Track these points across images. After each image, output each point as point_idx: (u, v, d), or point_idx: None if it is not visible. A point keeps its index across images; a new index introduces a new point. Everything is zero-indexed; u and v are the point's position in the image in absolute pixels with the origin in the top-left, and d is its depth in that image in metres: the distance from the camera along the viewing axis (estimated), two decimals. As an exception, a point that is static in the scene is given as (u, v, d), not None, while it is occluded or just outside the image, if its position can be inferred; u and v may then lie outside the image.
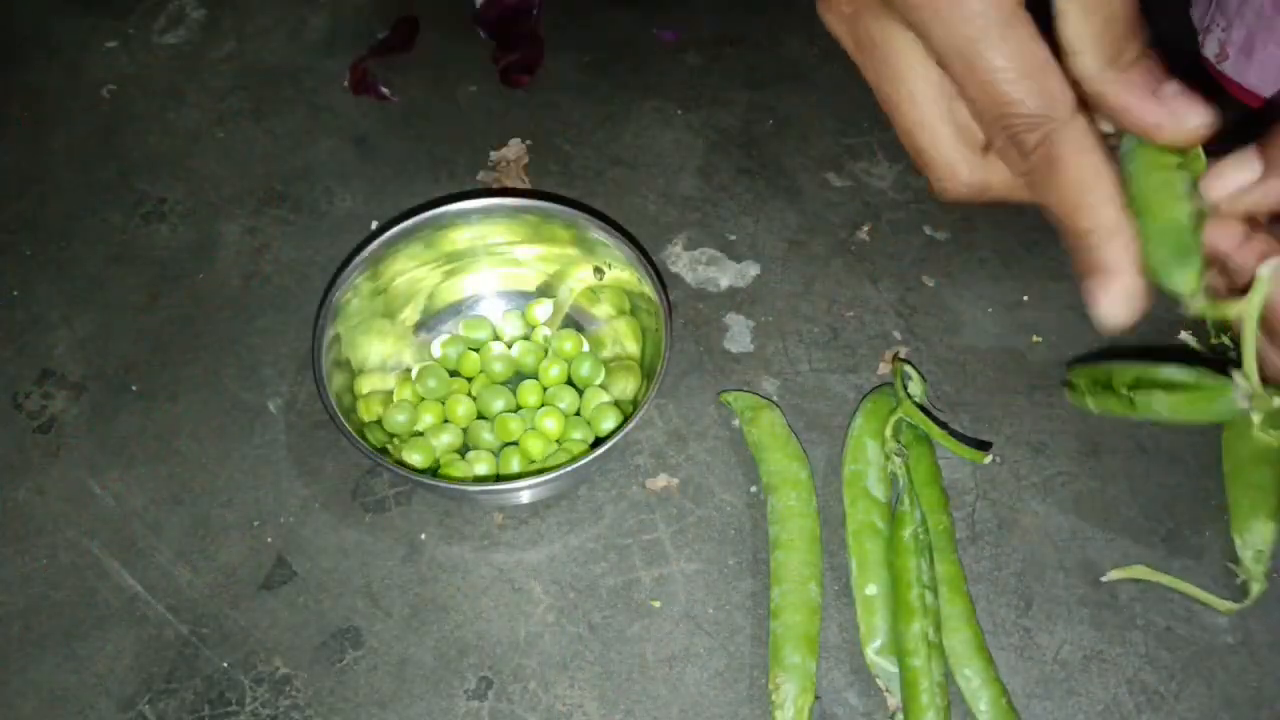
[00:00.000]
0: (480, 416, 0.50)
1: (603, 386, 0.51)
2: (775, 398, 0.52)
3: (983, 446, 0.49)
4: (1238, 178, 0.35)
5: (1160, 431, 0.51)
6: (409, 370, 0.51)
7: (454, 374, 0.51)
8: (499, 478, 0.49)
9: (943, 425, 0.49)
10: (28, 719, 0.44)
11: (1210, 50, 0.61)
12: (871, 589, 0.45)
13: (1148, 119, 0.34)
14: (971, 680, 0.44)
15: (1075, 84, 0.33)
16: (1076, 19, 0.33)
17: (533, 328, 0.53)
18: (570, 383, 0.51)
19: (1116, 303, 0.33)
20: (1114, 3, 0.33)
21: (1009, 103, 0.33)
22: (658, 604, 0.47)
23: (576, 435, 0.49)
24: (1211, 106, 0.34)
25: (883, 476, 0.48)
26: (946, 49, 0.34)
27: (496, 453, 0.49)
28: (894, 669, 0.44)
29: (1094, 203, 0.33)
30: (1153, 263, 0.33)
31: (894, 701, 0.44)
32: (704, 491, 0.49)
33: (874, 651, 0.45)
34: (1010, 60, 0.33)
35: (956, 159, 0.36)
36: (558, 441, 0.50)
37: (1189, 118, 0.34)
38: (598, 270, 0.52)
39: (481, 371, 0.51)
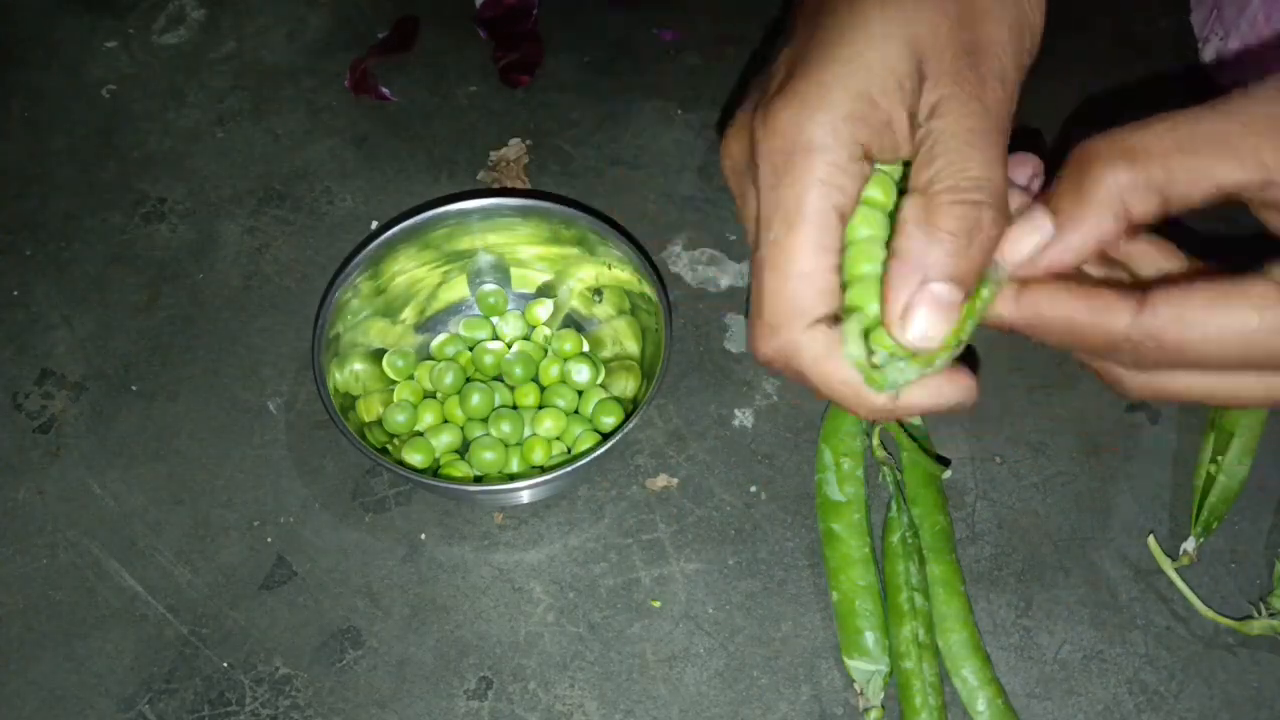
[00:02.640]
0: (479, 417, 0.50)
1: (603, 386, 0.51)
2: (775, 398, 0.52)
3: (944, 461, 0.49)
4: (1031, 241, 0.31)
5: (1160, 431, 0.51)
6: (409, 371, 0.51)
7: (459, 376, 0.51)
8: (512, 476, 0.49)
9: (912, 436, 0.49)
10: (28, 719, 0.44)
11: (1208, 58, 0.61)
12: (835, 595, 0.46)
13: (892, 291, 0.31)
14: (969, 681, 0.44)
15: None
16: (924, 151, 0.32)
17: (533, 328, 0.53)
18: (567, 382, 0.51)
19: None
20: (975, 160, 0.31)
21: (765, 291, 0.33)
22: (658, 604, 0.47)
23: (577, 432, 0.49)
24: (940, 340, 0.31)
25: (842, 477, 0.48)
26: (767, 215, 0.34)
27: (505, 446, 0.49)
28: (869, 667, 0.44)
29: (842, 401, 0.33)
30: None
31: (865, 701, 0.44)
32: (704, 491, 0.49)
33: (844, 654, 0.45)
34: (785, 249, 0.32)
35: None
36: (558, 438, 0.50)
37: (911, 329, 0.31)
38: (596, 292, 0.52)
39: (475, 371, 0.51)
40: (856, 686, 0.44)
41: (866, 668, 0.44)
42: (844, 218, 0.32)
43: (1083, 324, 0.31)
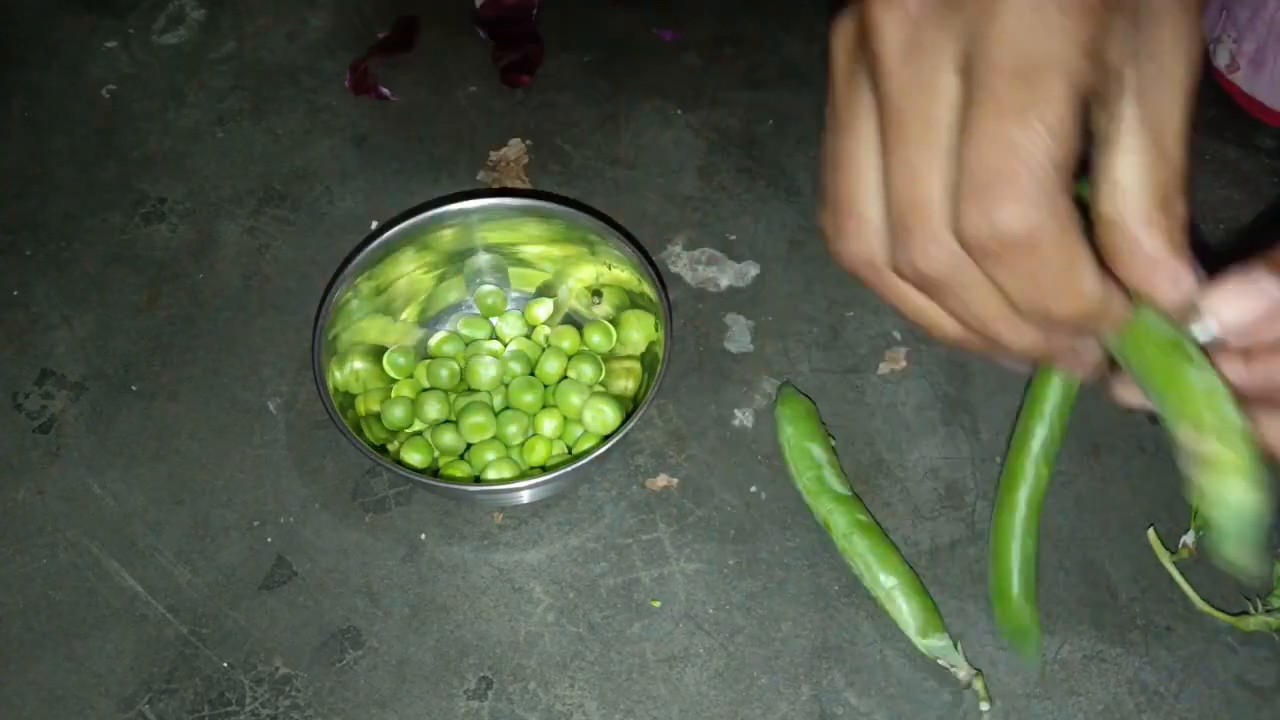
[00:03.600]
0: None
1: (603, 385, 0.51)
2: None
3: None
4: (1250, 305, 0.28)
5: (1160, 431, 0.51)
6: (409, 370, 0.51)
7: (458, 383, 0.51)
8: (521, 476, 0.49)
9: None
10: (28, 719, 0.44)
11: (1221, 60, 0.61)
12: (888, 581, 0.45)
13: (1154, 279, 0.29)
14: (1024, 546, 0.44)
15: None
16: (1136, 153, 0.29)
17: (532, 327, 0.53)
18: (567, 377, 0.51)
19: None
20: (1174, 153, 0.29)
21: (979, 184, 0.28)
22: (658, 604, 0.47)
23: (577, 432, 0.49)
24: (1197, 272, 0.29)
25: (836, 470, 0.48)
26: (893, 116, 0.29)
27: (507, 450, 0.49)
28: (944, 642, 0.44)
29: (1075, 288, 0.28)
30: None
31: (965, 675, 0.44)
32: (704, 491, 0.49)
33: (918, 636, 0.45)
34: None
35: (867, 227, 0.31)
36: (558, 438, 0.50)
37: (1175, 294, 0.29)
38: (596, 293, 0.52)
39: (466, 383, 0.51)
40: (944, 663, 0.44)
41: (942, 641, 0.44)
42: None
43: None
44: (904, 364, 0.53)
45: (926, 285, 0.30)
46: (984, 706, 0.44)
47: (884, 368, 0.53)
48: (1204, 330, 0.29)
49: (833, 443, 0.50)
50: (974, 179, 0.27)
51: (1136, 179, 0.29)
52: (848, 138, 0.31)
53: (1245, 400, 0.29)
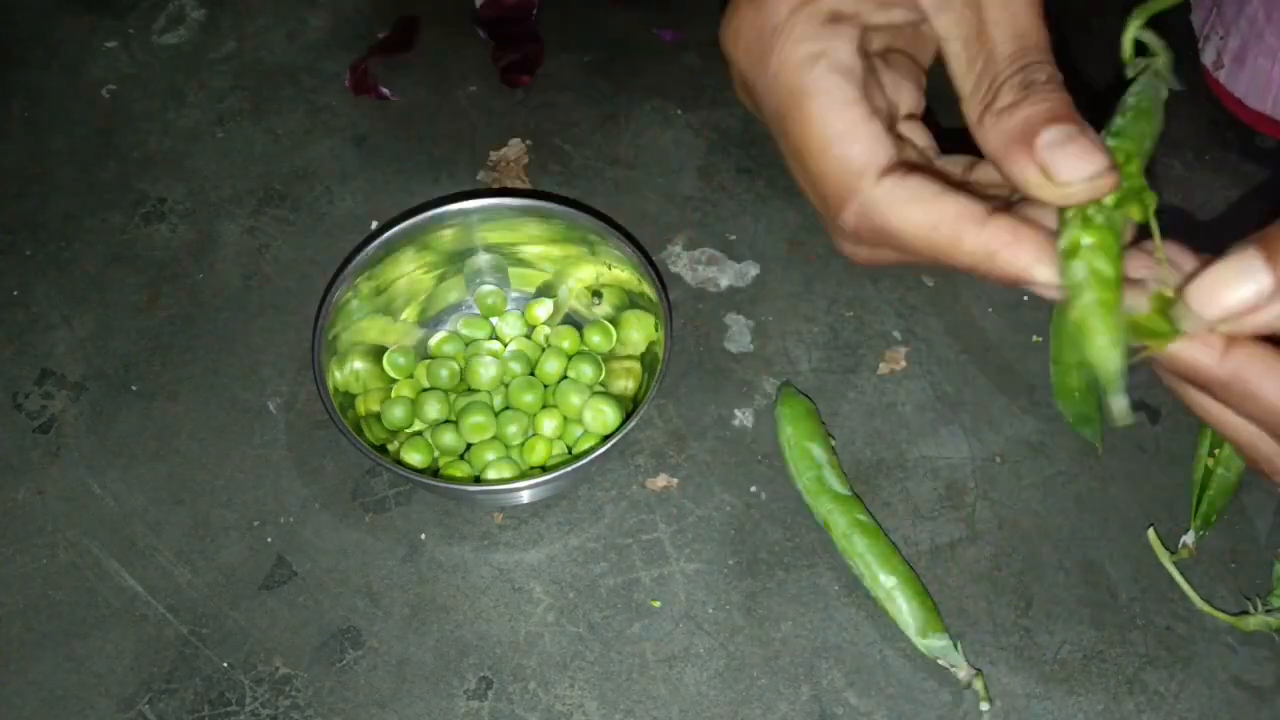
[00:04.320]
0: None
1: (603, 385, 0.51)
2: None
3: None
4: (1240, 291, 0.27)
5: (1160, 431, 0.51)
6: (409, 370, 0.51)
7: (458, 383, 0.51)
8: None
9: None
10: (28, 719, 0.44)
11: (1208, 58, 0.61)
12: (888, 581, 0.45)
13: (1016, 171, 0.29)
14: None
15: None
16: (954, 59, 0.30)
17: (532, 327, 0.53)
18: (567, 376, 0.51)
19: (1052, 294, 0.29)
20: (994, 40, 0.29)
21: (816, 177, 0.31)
22: (658, 604, 0.47)
23: (577, 432, 0.49)
24: (1103, 158, 0.28)
25: (836, 470, 0.48)
26: (769, 121, 0.32)
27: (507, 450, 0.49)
28: (944, 642, 0.44)
29: (949, 247, 0.29)
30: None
31: (965, 675, 0.44)
32: (704, 491, 0.49)
33: (918, 636, 0.45)
34: (806, 134, 0.30)
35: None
36: (558, 438, 0.50)
37: (1065, 170, 0.28)
38: (595, 294, 0.52)
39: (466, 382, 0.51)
40: (944, 663, 0.44)
41: (942, 641, 0.44)
42: (848, 74, 0.30)
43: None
44: (904, 364, 0.53)
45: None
46: (984, 707, 0.44)
47: (884, 368, 0.53)
48: (1188, 319, 0.28)
49: (832, 442, 0.50)
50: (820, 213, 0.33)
51: (963, 83, 0.30)
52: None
53: (1210, 392, 0.29)
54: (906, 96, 0.36)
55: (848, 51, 0.31)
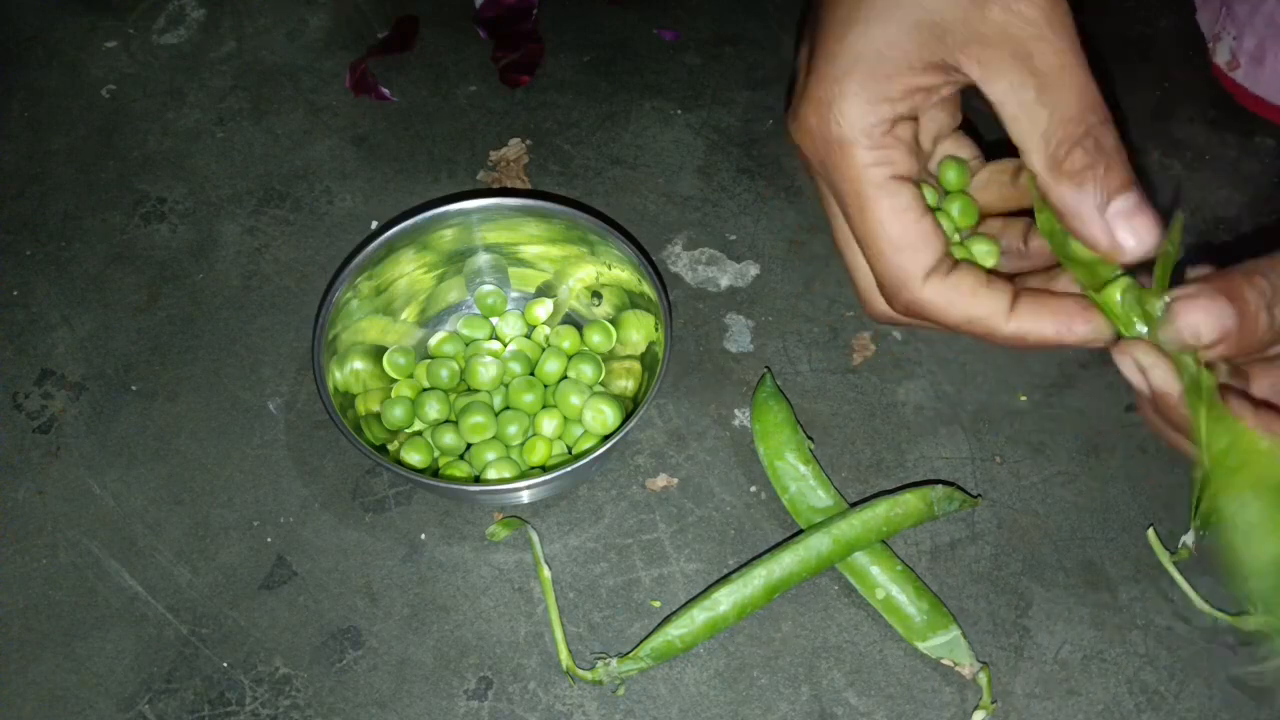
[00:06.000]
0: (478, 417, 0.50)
1: (603, 385, 0.51)
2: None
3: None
4: (1206, 325, 0.32)
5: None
6: (409, 370, 0.51)
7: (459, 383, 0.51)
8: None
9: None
10: (28, 719, 0.44)
11: (1221, 58, 0.60)
12: (880, 593, 0.45)
13: (1086, 231, 0.33)
14: None
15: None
16: (1013, 121, 0.33)
17: (532, 327, 0.53)
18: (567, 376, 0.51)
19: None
20: (1065, 101, 0.32)
21: (877, 272, 0.36)
22: (658, 604, 0.47)
23: (577, 432, 0.49)
24: (1158, 228, 0.33)
25: (821, 481, 0.48)
26: (840, 204, 0.37)
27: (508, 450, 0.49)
28: (947, 638, 0.44)
29: (985, 335, 0.35)
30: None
31: (969, 670, 0.44)
32: (704, 491, 0.49)
33: (919, 641, 0.45)
34: (870, 233, 0.35)
35: (870, 293, 0.39)
36: (558, 438, 0.50)
37: (1128, 241, 0.33)
38: (595, 294, 0.52)
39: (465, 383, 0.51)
40: (947, 662, 0.44)
41: (944, 639, 0.44)
42: (905, 178, 0.35)
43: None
44: (905, 363, 0.53)
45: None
46: (978, 716, 0.44)
47: (884, 367, 0.53)
48: (1165, 335, 0.32)
49: (810, 445, 0.49)
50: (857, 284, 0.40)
51: (1029, 141, 0.33)
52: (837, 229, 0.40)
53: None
54: (946, 118, 0.40)
55: (904, 156, 0.35)
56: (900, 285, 0.35)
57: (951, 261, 0.36)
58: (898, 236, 0.35)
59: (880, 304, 0.38)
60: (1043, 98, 0.32)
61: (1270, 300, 0.32)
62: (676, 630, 0.44)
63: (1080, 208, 0.33)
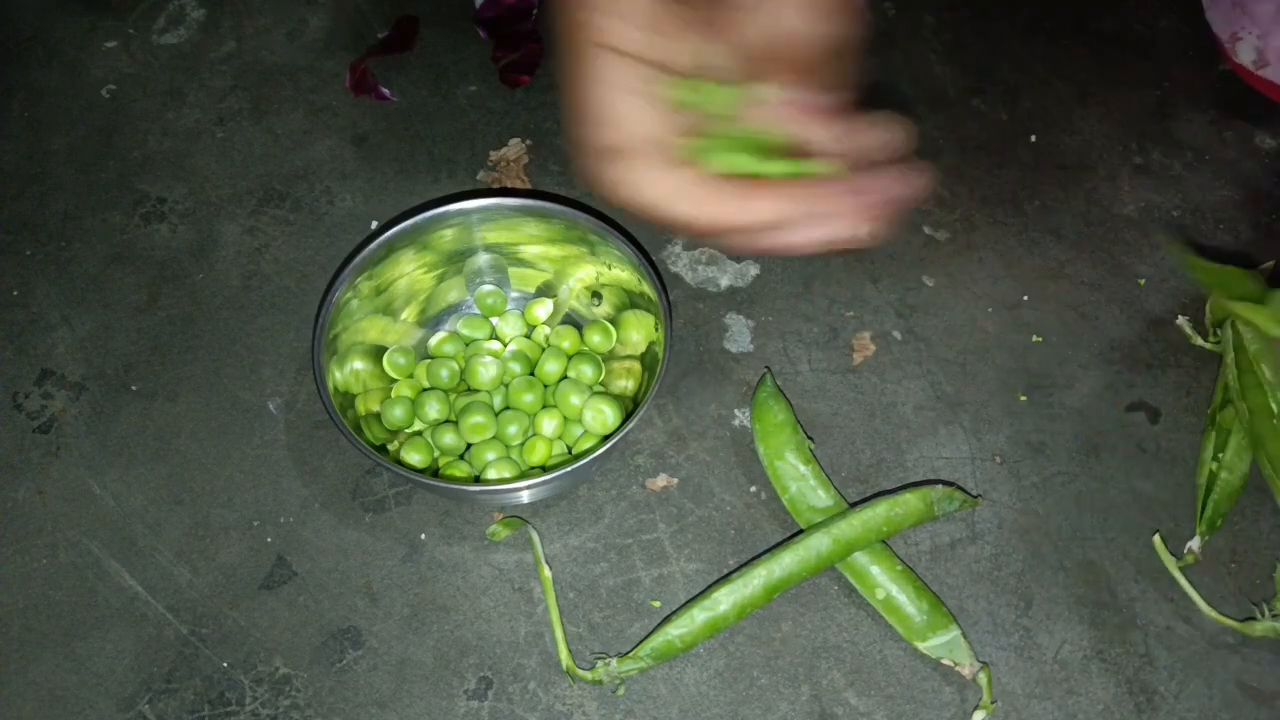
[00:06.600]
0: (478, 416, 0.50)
1: (603, 385, 0.51)
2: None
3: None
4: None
5: (1160, 431, 0.51)
6: (409, 370, 0.51)
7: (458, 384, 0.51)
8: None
9: None
10: (28, 719, 0.44)
11: (1246, 57, 0.61)
12: (880, 593, 0.45)
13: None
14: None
15: None
16: None
17: (532, 327, 0.53)
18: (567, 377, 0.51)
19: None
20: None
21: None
22: (658, 604, 0.47)
23: (577, 432, 0.49)
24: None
25: (821, 481, 0.48)
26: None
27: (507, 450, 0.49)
28: (947, 638, 0.44)
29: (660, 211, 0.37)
30: None
31: (969, 670, 0.44)
32: (704, 491, 0.49)
33: (919, 641, 0.45)
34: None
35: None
36: (558, 438, 0.50)
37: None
38: (595, 294, 0.52)
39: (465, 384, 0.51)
40: (947, 662, 0.44)
41: (944, 639, 0.44)
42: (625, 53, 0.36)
43: None
44: (905, 363, 0.53)
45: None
46: (977, 717, 0.44)
47: (883, 367, 0.53)
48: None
49: (810, 445, 0.49)
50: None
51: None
52: None
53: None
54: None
55: (631, 31, 0.37)
56: (589, 154, 0.37)
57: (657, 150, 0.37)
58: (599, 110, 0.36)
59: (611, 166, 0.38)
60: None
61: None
62: (676, 630, 0.44)
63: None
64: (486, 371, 0.50)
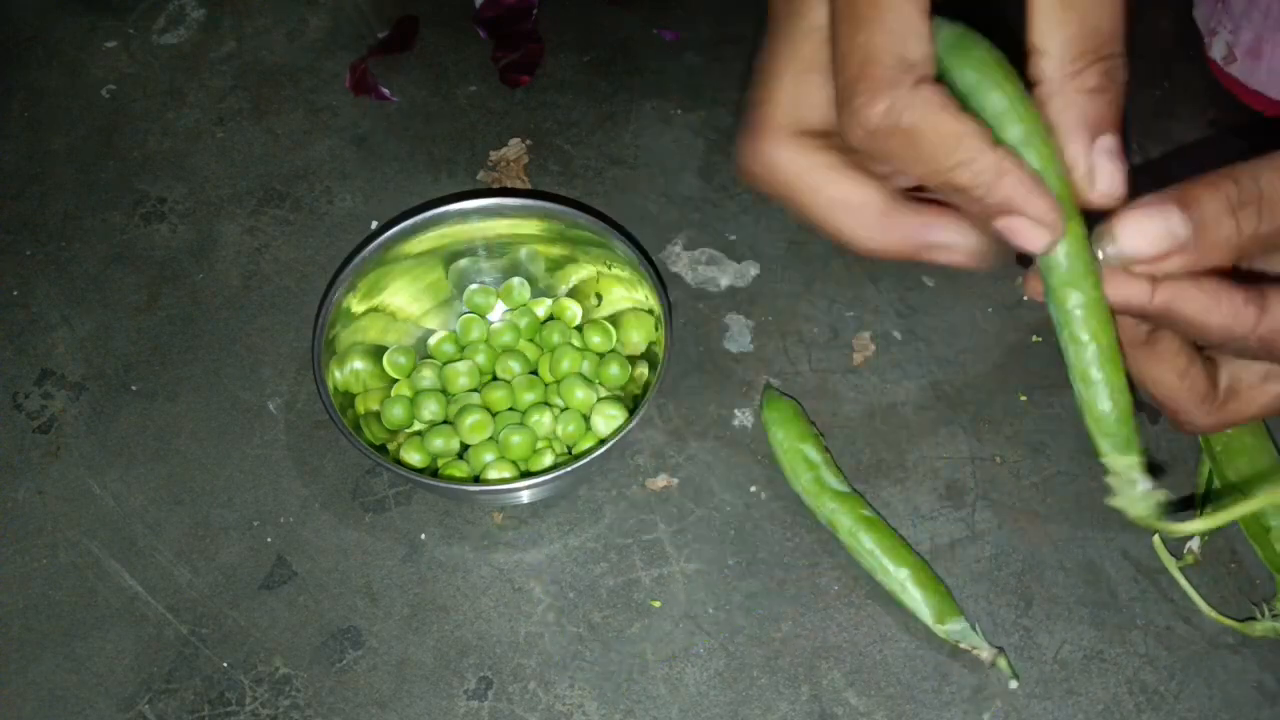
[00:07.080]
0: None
1: (618, 346, 0.51)
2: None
3: None
4: (1155, 236, 0.30)
5: (1160, 431, 0.51)
6: (409, 370, 0.51)
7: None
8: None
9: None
10: (28, 719, 0.44)
11: (1218, 53, 0.60)
12: (900, 573, 0.45)
13: (1069, 149, 0.31)
14: None
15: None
16: (1052, 14, 0.32)
17: (528, 323, 0.53)
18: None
19: (1033, 232, 0.31)
20: (1098, 16, 0.31)
21: (851, 81, 0.32)
22: (658, 604, 0.47)
23: (571, 428, 0.49)
24: (1125, 185, 0.31)
25: (833, 468, 0.48)
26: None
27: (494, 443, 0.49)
28: (962, 625, 0.45)
29: (963, 157, 0.30)
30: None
31: (988, 655, 0.44)
32: (704, 491, 0.49)
33: (936, 623, 0.45)
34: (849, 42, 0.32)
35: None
36: (558, 438, 0.50)
37: (1102, 179, 0.31)
38: (595, 294, 0.52)
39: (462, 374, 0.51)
40: (965, 646, 0.45)
41: (960, 625, 0.45)
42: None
43: (1213, 324, 0.32)
44: (905, 363, 0.53)
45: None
46: (1013, 685, 0.44)
47: (883, 367, 0.53)
48: (1106, 251, 0.31)
49: (824, 441, 0.50)
50: (840, 90, 0.32)
51: (1052, 43, 0.31)
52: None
53: (1149, 319, 0.32)
54: None
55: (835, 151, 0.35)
56: (889, 83, 0.32)
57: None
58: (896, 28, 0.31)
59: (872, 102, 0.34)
60: (1078, 3, 0.31)
61: (1237, 204, 0.30)
62: None
63: (1075, 124, 0.31)
64: (468, 380, 0.50)
